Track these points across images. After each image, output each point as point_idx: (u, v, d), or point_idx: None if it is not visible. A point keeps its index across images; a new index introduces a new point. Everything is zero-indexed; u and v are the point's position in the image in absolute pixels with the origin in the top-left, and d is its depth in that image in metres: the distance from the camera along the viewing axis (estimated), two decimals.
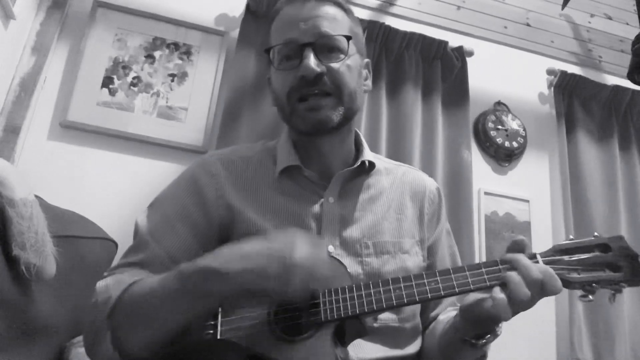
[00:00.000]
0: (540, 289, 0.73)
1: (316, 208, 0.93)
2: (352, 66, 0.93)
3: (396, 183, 1.02)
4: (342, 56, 0.92)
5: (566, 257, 0.79)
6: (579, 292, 0.79)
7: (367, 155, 1.00)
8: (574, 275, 0.77)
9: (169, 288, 0.72)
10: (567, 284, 0.77)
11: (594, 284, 0.77)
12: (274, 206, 0.93)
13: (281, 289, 0.66)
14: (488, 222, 2.00)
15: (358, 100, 0.96)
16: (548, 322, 1.96)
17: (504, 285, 0.74)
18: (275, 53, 0.94)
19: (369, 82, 1.03)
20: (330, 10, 0.94)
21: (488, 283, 0.77)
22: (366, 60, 1.03)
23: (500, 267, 0.78)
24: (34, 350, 1.06)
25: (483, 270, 0.78)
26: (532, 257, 0.78)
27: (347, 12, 0.98)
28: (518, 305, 0.73)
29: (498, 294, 0.74)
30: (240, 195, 0.93)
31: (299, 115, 0.91)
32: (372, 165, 1.00)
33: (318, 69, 0.88)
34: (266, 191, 0.94)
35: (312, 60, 0.88)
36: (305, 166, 0.95)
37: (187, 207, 0.92)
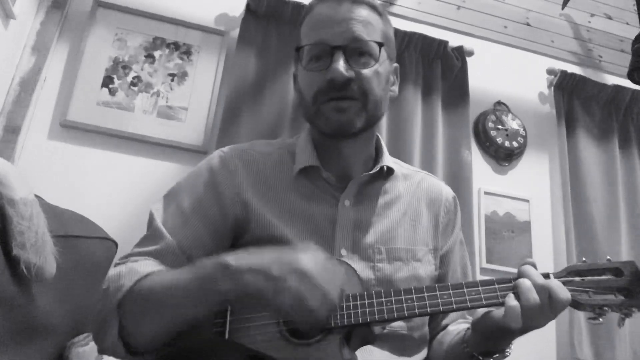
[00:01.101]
0: (548, 297, 0.74)
1: (331, 211, 0.92)
2: (381, 73, 0.92)
3: (413, 189, 1.01)
4: (372, 62, 0.90)
5: (578, 279, 0.80)
6: (589, 314, 0.80)
7: (387, 160, 0.99)
8: (585, 297, 0.78)
9: (182, 282, 0.72)
10: (578, 305, 0.78)
11: (604, 307, 0.78)
12: (289, 206, 0.92)
13: (278, 295, 0.65)
14: (488, 222, 2.00)
15: (383, 107, 0.95)
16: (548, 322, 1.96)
17: (517, 294, 0.75)
18: (304, 52, 0.93)
19: (396, 88, 1.02)
20: (364, 13, 0.92)
21: (500, 299, 0.77)
22: (395, 65, 1.01)
23: (514, 283, 0.78)
24: (34, 350, 1.06)
25: (496, 286, 0.79)
26: (546, 276, 0.78)
27: (382, 15, 0.96)
28: (529, 313, 0.74)
29: (512, 301, 0.74)
30: (256, 193, 0.92)
31: (324, 115, 0.90)
32: (390, 170, 0.98)
33: (347, 74, 0.87)
34: (283, 190, 0.93)
35: (341, 65, 0.86)
36: (324, 168, 0.94)
37: (203, 202, 0.91)
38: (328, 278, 0.67)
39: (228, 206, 0.91)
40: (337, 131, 0.91)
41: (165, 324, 0.72)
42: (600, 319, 0.79)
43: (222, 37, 1.94)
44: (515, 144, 2.12)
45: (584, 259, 0.84)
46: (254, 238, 0.90)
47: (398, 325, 0.88)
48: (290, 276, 0.65)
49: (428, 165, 1.92)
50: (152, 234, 0.89)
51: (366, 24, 0.91)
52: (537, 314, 0.74)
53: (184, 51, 1.90)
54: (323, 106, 0.90)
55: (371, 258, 0.90)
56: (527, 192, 2.11)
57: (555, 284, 0.75)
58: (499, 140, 2.10)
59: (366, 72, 0.89)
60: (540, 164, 2.19)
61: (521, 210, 2.06)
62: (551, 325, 1.96)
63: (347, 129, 0.90)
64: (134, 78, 1.82)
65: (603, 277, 0.80)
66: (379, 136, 1.03)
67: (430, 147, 1.96)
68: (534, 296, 0.74)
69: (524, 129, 2.17)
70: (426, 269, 0.94)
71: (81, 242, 1.25)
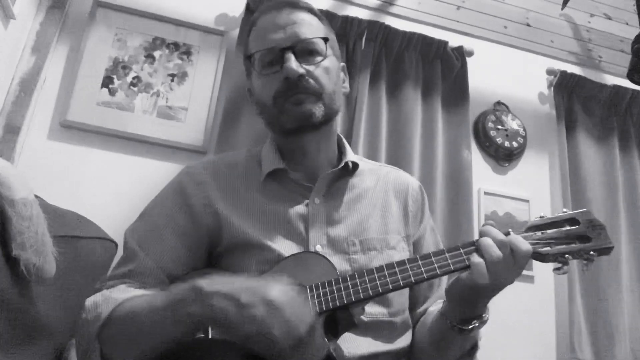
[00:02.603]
0: (510, 250, 0.79)
1: (302, 209, 0.95)
2: (330, 67, 0.98)
3: (380, 182, 1.05)
4: (320, 58, 0.96)
5: (538, 233, 0.84)
6: (555, 265, 0.84)
7: (350, 156, 1.03)
8: (547, 248, 0.83)
9: (156, 306, 0.72)
10: (542, 257, 0.83)
11: (566, 255, 0.83)
12: (260, 210, 0.95)
13: (243, 319, 0.64)
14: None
15: (338, 101, 1.00)
16: (548, 322, 1.96)
17: (480, 253, 0.79)
18: (256, 60, 0.98)
19: (347, 84, 1.08)
20: (305, 16, 0.99)
21: (467, 262, 0.81)
22: (342, 64, 1.07)
23: (477, 245, 0.82)
24: (34, 350, 1.06)
25: (461, 251, 0.82)
26: (506, 234, 0.82)
27: (320, 18, 1.03)
28: (494, 268, 0.77)
29: (476, 258, 0.79)
30: (226, 202, 0.95)
31: (285, 111, 0.94)
32: (355, 166, 1.02)
33: (300, 70, 0.92)
34: (253, 196, 0.96)
35: (293, 62, 0.92)
36: (291, 169, 0.98)
37: (175, 216, 0.94)
38: (296, 312, 0.66)
39: (200, 217, 0.94)
40: (300, 122, 0.94)
41: (145, 348, 0.73)
42: (565, 268, 0.83)
43: (222, 37, 1.94)
44: (515, 144, 2.12)
45: (542, 214, 0.88)
46: (229, 245, 0.92)
47: (379, 312, 0.90)
48: (258, 305, 0.64)
49: (428, 165, 1.92)
50: (127, 255, 0.92)
51: (308, 25, 0.98)
52: (502, 269, 0.78)
53: (184, 51, 1.90)
54: (284, 103, 0.94)
55: (346, 251, 0.93)
56: (527, 192, 2.11)
57: (515, 238, 0.80)
58: (499, 140, 2.11)
59: (316, 67, 0.95)
60: (540, 164, 2.19)
61: (521, 210, 2.06)
62: (551, 325, 1.96)
63: (308, 120, 0.94)
64: (133, 78, 1.82)
65: (562, 228, 0.85)
66: (341, 135, 1.08)
67: (430, 147, 1.96)
68: (496, 251, 0.78)
69: (524, 129, 2.17)
70: (401, 255, 0.97)
71: (81, 242, 1.25)
